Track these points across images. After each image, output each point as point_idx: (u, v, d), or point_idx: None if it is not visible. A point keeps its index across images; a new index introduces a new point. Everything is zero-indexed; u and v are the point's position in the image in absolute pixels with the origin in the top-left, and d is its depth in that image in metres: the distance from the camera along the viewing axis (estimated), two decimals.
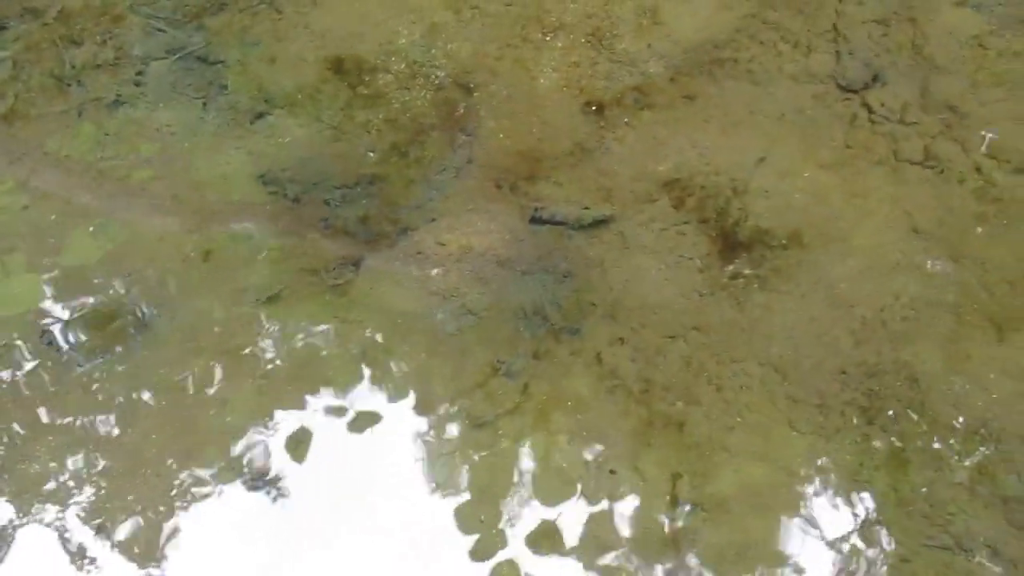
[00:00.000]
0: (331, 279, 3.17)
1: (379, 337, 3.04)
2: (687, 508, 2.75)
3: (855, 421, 2.82)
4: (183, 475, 2.85)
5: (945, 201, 3.10)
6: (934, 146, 3.18)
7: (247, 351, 3.04)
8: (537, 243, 3.19)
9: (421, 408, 2.95)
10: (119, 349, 3.03)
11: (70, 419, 2.94)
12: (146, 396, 2.96)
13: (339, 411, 2.96)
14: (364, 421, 2.93)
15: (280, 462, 2.87)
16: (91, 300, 3.14)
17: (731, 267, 3.07)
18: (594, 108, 3.40)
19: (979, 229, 3.04)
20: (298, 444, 2.89)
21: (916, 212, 3.10)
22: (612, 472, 2.83)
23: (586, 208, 3.21)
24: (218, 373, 3.02)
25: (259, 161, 3.40)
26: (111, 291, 3.15)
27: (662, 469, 2.82)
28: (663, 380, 2.94)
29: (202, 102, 3.53)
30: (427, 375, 2.98)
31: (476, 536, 2.76)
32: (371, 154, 3.42)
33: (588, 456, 2.84)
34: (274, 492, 2.82)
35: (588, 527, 2.75)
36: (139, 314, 3.09)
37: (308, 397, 2.97)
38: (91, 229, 3.26)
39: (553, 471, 2.82)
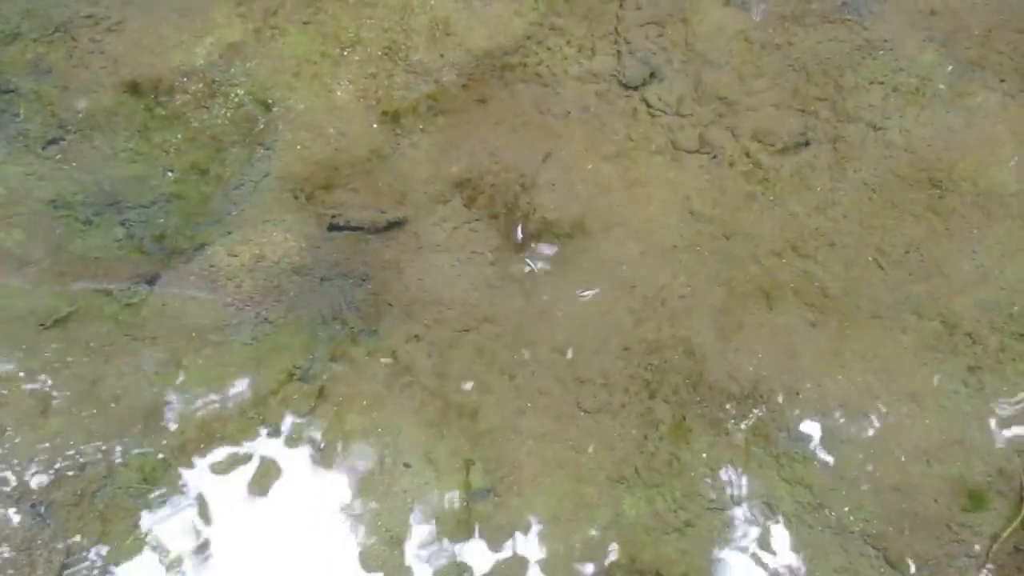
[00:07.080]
0: (125, 298, 3.13)
1: (171, 352, 3.01)
2: (482, 494, 2.80)
3: (639, 395, 2.93)
4: None
5: (718, 184, 3.28)
6: (707, 134, 3.37)
7: (30, 376, 2.96)
8: (334, 249, 3.22)
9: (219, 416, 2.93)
10: None
11: None
12: None
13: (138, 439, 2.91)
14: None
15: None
16: None
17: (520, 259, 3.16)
18: (390, 117, 3.48)
19: (750, 206, 3.22)
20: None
21: (693, 195, 3.26)
22: (407, 465, 2.85)
23: (381, 212, 3.27)
24: None
25: (50, 186, 3.34)
26: None
27: (455, 458, 2.86)
28: (457, 372, 2.99)
29: None
30: (222, 387, 2.96)
31: None
32: (169, 173, 3.40)
33: (383, 452, 2.86)
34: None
35: (383, 519, 2.76)
36: None
37: (93, 426, 2.92)
38: None
39: (347, 470, 2.83)
